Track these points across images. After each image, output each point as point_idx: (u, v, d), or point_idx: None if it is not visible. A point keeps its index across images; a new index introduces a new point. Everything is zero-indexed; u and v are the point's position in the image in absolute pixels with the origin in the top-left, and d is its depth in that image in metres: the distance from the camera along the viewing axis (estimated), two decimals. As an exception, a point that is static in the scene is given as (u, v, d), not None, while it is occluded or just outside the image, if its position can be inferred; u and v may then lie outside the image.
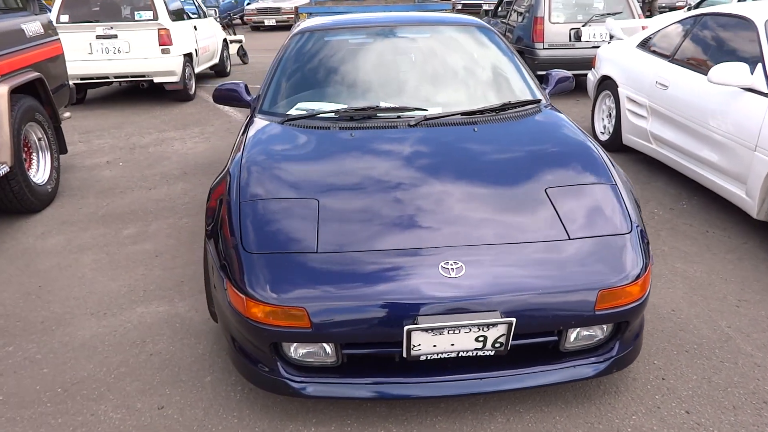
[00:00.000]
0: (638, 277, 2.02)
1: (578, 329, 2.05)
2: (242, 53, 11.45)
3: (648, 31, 4.97)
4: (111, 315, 2.86)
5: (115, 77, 7.54)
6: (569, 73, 3.39)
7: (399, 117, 2.84)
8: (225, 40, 10.13)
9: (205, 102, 8.01)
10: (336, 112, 2.87)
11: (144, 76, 7.51)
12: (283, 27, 17.98)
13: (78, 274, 3.28)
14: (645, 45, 4.85)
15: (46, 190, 4.25)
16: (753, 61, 3.54)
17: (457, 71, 3.28)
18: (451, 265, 1.97)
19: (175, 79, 7.58)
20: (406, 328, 1.86)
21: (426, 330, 1.87)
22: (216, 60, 9.62)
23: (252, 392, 2.28)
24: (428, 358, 1.97)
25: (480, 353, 1.97)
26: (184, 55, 7.74)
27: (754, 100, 3.40)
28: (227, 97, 3.21)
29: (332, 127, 2.77)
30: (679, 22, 4.56)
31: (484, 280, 1.94)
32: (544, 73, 3.48)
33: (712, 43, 4.07)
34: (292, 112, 2.98)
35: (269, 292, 1.94)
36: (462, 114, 2.83)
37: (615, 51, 5.24)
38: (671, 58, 4.39)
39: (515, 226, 2.13)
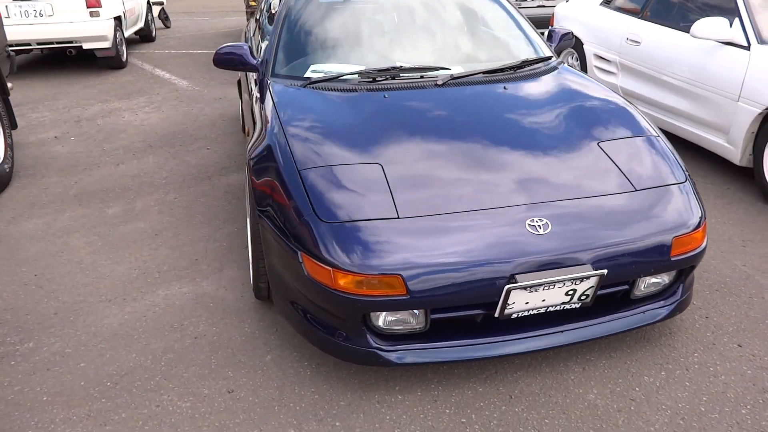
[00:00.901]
0: (700, 223, 2.11)
1: (649, 277, 2.13)
2: (164, 16, 10.75)
3: (610, -11, 5.11)
4: (132, 300, 2.65)
5: (38, 44, 6.84)
6: (569, 30, 3.44)
7: (422, 77, 2.77)
8: (148, 1, 9.44)
9: (140, 69, 7.46)
10: (359, 73, 2.76)
11: (71, 42, 6.87)
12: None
13: (75, 258, 3.01)
14: (610, 3, 5.00)
15: (3, 170, 3.83)
16: (728, 16, 3.74)
17: (468, 30, 3.24)
18: (536, 222, 1.98)
19: (107, 45, 6.99)
20: (506, 287, 1.86)
21: (524, 288, 1.88)
22: (141, 24, 8.96)
23: (323, 366, 2.21)
24: (518, 315, 1.99)
25: (566, 307, 2.01)
26: (114, 18, 7.14)
27: (735, 53, 3.60)
28: (230, 61, 2.98)
29: (359, 89, 2.66)
30: (644, -21, 4.72)
31: (571, 234, 1.96)
32: (547, 30, 3.50)
33: (684, 1, 4.25)
34: (309, 74, 2.84)
35: (360, 261, 1.86)
36: (485, 72, 2.81)
37: (577, 9, 5.36)
38: (642, 15, 4.55)
39: (582, 180, 2.16)
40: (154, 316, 2.53)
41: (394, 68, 2.79)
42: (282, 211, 2.08)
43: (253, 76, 3.28)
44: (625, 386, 2.09)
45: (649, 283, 2.17)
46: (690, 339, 2.32)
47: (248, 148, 2.50)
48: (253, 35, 4.08)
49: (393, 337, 2.01)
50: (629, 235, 2.00)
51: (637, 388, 2.08)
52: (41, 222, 3.41)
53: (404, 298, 1.86)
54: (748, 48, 3.55)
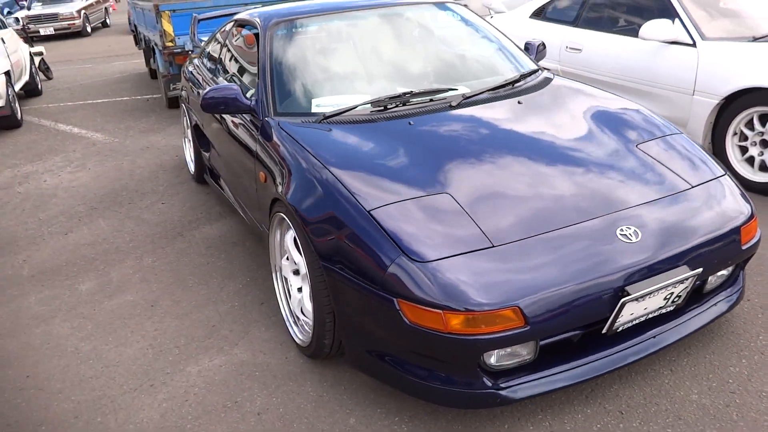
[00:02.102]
0: (753, 210, 2.20)
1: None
2: (45, 67, 9.88)
3: (537, 3, 5.35)
4: (162, 384, 2.31)
5: None
6: (541, 41, 3.52)
7: (431, 100, 2.70)
8: (30, 53, 8.63)
9: (39, 126, 6.75)
10: (371, 103, 2.63)
11: (-42, 104, 6.09)
12: (66, 35, 15.86)
13: (67, 349, 2.59)
14: (540, 14, 5.22)
15: (-65, 259, 3.26)
16: (665, 17, 4.02)
17: (454, 48, 3.22)
18: (626, 230, 1.95)
19: (0, 103, 6.27)
20: (621, 300, 1.81)
21: (637, 299, 1.84)
22: (26, 77, 8.16)
23: (416, 417, 2.03)
24: (622, 328, 1.95)
25: (661, 311, 2.00)
26: (4, 74, 6.43)
27: (683, 51, 3.87)
28: (224, 104, 2.72)
29: (378, 118, 2.54)
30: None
31: (662, 237, 1.96)
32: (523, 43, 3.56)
33: (618, 7, 4.53)
34: (317, 110, 2.67)
35: (472, 297, 1.74)
36: (491, 90, 2.79)
37: (507, 24, 5.55)
38: (577, 23, 4.79)
39: (642, 183, 2.18)
40: (198, 398, 2.23)
41: (405, 94, 2.69)
42: (360, 259, 1.90)
43: (234, 118, 3.03)
44: (718, 381, 2.11)
45: (717, 276, 2.22)
46: (747, 324, 2.40)
47: (283, 195, 2.27)
48: (205, 76, 3.80)
49: (503, 373, 1.89)
50: (707, 230, 2.03)
51: (730, 381, 2.11)
52: (4, 312, 2.92)
53: (523, 329, 1.75)
54: (694, 45, 3.82)
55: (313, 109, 2.68)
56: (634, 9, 4.39)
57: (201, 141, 4.04)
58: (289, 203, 2.22)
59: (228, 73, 3.54)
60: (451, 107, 2.64)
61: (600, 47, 4.48)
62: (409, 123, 2.50)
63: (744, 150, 3.64)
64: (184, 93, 4.35)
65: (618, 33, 4.39)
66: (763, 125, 3.50)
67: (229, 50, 3.62)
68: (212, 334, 2.61)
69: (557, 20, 5.02)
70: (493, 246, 1.87)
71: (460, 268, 1.80)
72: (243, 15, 3.56)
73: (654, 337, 2.05)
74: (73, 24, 15.90)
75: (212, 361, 2.43)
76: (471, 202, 2.03)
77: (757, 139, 3.55)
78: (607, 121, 2.55)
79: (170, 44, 6.03)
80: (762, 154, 3.54)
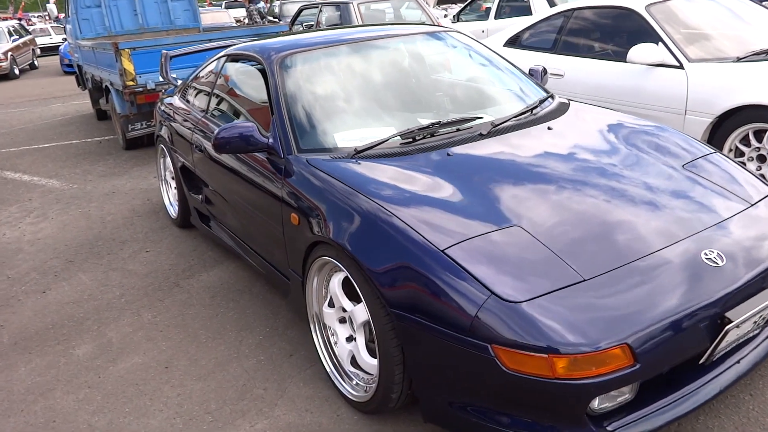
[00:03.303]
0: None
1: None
2: (-22, 112, 9.23)
3: (509, 32, 5.41)
4: (204, 459, 2.05)
5: None
6: (542, 65, 3.51)
7: (458, 130, 2.60)
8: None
9: (-17, 175, 6.23)
10: (401, 135, 2.50)
11: None
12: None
13: (78, 425, 2.27)
14: (515, 43, 5.28)
15: None
16: (646, 41, 4.12)
17: (466, 77, 3.15)
18: (709, 254, 1.88)
19: (-60, 152, 5.74)
20: (726, 327, 1.73)
21: (738, 324, 1.76)
22: (-38, 123, 7.57)
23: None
24: (718, 356, 1.86)
25: (749, 335, 1.93)
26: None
27: (670, 73, 3.96)
28: (238, 143, 2.53)
29: (410, 151, 2.41)
30: (545, 20, 5.07)
31: (745, 259, 1.90)
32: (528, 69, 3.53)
33: (597, 33, 4.62)
34: (342, 144, 2.51)
35: (578, 337, 1.61)
36: (515, 117, 2.73)
37: (480, 52, 5.58)
38: (555, 49, 4.85)
39: (705, 204, 2.13)
40: (251, 471, 1.98)
41: (434, 124, 2.58)
42: (441, 303, 1.74)
43: (246, 158, 2.81)
44: (799, 402, 2.06)
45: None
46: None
47: (331, 237, 2.08)
48: (194, 115, 3.57)
49: (603, 417, 1.76)
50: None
51: (811, 401, 2.06)
52: (-8, 388, 2.56)
53: (634, 368, 1.63)
54: (681, 67, 3.92)
55: (339, 144, 2.53)
56: (613, 34, 4.48)
57: (189, 183, 3.78)
58: (340, 246, 2.03)
59: (224, 109, 3.32)
60: (482, 136, 2.55)
61: (583, 72, 4.54)
62: (447, 154, 2.38)
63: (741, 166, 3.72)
64: (163, 134, 4.08)
65: (600, 58, 4.47)
66: (759, 141, 3.59)
67: (224, 87, 3.41)
68: (245, 395, 2.36)
69: (533, 48, 5.08)
70: (585, 279, 1.75)
71: (558, 306, 1.67)
72: (236, 49, 3.37)
73: (738, 361, 1.98)
74: (0, 66, 15.07)
75: (254, 427, 2.18)
76: (543, 232, 1.91)
77: (754, 154, 3.64)
78: (646, 143, 2.52)
79: (131, 83, 5.73)
80: (760, 168, 3.63)
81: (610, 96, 4.32)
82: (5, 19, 25.31)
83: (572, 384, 1.60)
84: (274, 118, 2.66)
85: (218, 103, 3.40)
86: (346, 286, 2.19)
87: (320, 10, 8.69)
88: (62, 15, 9.51)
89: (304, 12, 9.64)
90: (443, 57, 3.27)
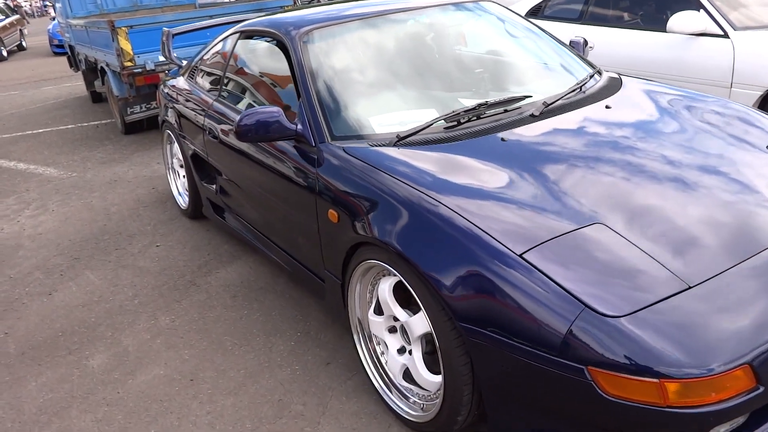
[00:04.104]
0: None
1: None
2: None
3: (531, 2, 5.10)
4: (245, 490, 1.82)
5: None
6: (583, 37, 3.23)
7: (505, 111, 2.34)
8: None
9: (-24, 165, 5.94)
10: (446, 118, 2.24)
11: None
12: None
13: (101, 451, 2.04)
14: (537, 13, 4.97)
15: None
16: (686, 8, 3.84)
17: (507, 51, 2.87)
18: (821, 252, 1.64)
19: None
20: None
21: None
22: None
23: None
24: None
25: None
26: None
27: (714, 42, 3.68)
28: (264, 130, 2.26)
29: (458, 137, 2.15)
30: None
31: None
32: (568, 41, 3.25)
33: (627, 1, 4.32)
34: (379, 130, 2.25)
35: (694, 358, 1.37)
36: (567, 94, 2.46)
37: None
38: (582, 20, 4.55)
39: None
40: (300, 505, 1.75)
41: (480, 105, 2.31)
42: (523, 317, 1.50)
43: (271, 146, 2.54)
44: None
45: None
46: None
47: (382, 238, 1.83)
48: (203, 99, 3.28)
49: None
50: None
51: None
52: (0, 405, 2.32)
53: (757, 392, 1.40)
54: (726, 36, 3.64)
55: (376, 130, 2.26)
56: (647, 2, 4.19)
57: (201, 172, 3.51)
58: (392, 248, 1.78)
59: (239, 92, 3.04)
60: (534, 117, 2.28)
61: (615, 43, 4.26)
62: (501, 139, 2.12)
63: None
64: (170, 119, 3.80)
65: (633, 28, 4.18)
66: (815, 115, 3.34)
67: (238, 67, 3.11)
68: (283, 412, 2.13)
69: (558, 18, 4.78)
70: (691, 287, 1.51)
71: (664, 320, 1.43)
72: (250, 25, 3.08)
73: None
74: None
75: (298, 449, 1.96)
76: (631, 230, 1.67)
77: (809, 130, 3.39)
78: (722, 124, 2.27)
79: (129, 64, 5.40)
80: (815, 145, 3.38)
81: (647, 68, 4.05)
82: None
83: (687, 413, 1.37)
84: (302, 101, 2.39)
85: (232, 85, 3.11)
86: (397, 291, 1.95)
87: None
88: (51, -7, 9.07)
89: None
90: (479, 29, 2.98)
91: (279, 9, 5.97)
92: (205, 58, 3.53)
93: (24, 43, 17.93)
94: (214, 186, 3.36)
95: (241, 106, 2.93)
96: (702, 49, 3.74)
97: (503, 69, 2.79)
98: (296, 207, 2.39)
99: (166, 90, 3.98)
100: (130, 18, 5.35)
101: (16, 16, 18.04)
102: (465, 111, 2.28)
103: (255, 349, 2.50)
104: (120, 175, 5.08)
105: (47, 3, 36.99)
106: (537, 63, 2.83)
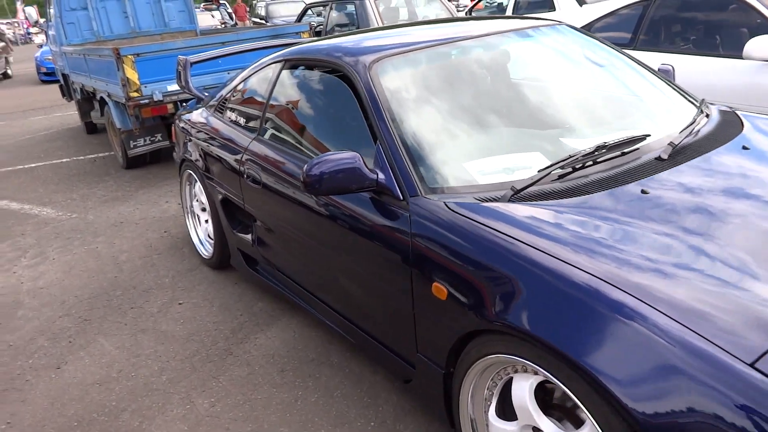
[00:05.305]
0: None
1: None
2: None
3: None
4: None
5: None
6: (669, 64, 2.88)
7: (623, 153, 1.95)
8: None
9: (-36, 204, 5.43)
10: (562, 165, 1.84)
11: None
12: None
13: None
14: (581, 38, 4.64)
15: None
16: (744, 30, 3.54)
17: (599, 79, 2.50)
18: None
19: None
20: None
21: None
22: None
23: None
24: None
25: None
26: None
27: (796, 69, 3.36)
28: (342, 180, 1.84)
29: (585, 189, 1.75)
30: (625, 7, 4.43)
31: None
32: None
33: (687, 24, 4.00)
34: (483, 179, 1.84)
35: None
36: (689, 132, 2.08)
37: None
38: (634, 45, 4.23)
39: None
40: None
41: (600, 148, 1.91)
42: None
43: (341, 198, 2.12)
44: None
45: None
46: None
47: (521, 325, 1.41)
48: (250, 137, 2.86)
49: None
50: None
51: None
52: None
53: None
54: (809, 62, 3.32)
55: (478, 179, 1.85)
56: (711, 25, 3.87)
57: (233, 220, 3.06)
58: (548, 345, 1.35)
59: (286, 131, 2.61)
60: (661, 161, 1.90)
61: (679, 70, 3.92)
62: (642, 191, 1.72)
63: None
64: (190, 156, 3.36)
65: (698, 54, 3.85)
66: None
67: (284, 102, 2.69)
68: None
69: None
70: None
71: None
72: (296, 53, 2.67)
73: None
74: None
75: None
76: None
77: None
78: None
79: (136, 94, 4.97)
80: None
81: (717, 97, 3.71)
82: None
83: None
84: (380, 144, 1.98)
85: (277, 123, 2.69)
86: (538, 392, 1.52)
87: (330, 8, 7.98)
88: (43, 20, 8.67)
89: (309, 12, 8.93)
90: (559, 56, 2.61)
91: (295, 35, 5.62)
92: (238, 88, 3.11)
93: (9, 71, 17.44)
94: (249, 235, 2.92)
95: (289, 147, 2.51)
96: (782, 76, 3.41)
97: (600, 102, 2.41)
98: (376, 275, 1.96)
99: (182, 125, 3.55)
100: (137, 45, 4.93)
101: (1, 44, 17.56)
102: (583, 156, 1.88)
103: (322, 446, 2.05)
104: (126, 216, 4.61)
105: (30, 30, 36.52)
106: (635, 95, 2.45)
